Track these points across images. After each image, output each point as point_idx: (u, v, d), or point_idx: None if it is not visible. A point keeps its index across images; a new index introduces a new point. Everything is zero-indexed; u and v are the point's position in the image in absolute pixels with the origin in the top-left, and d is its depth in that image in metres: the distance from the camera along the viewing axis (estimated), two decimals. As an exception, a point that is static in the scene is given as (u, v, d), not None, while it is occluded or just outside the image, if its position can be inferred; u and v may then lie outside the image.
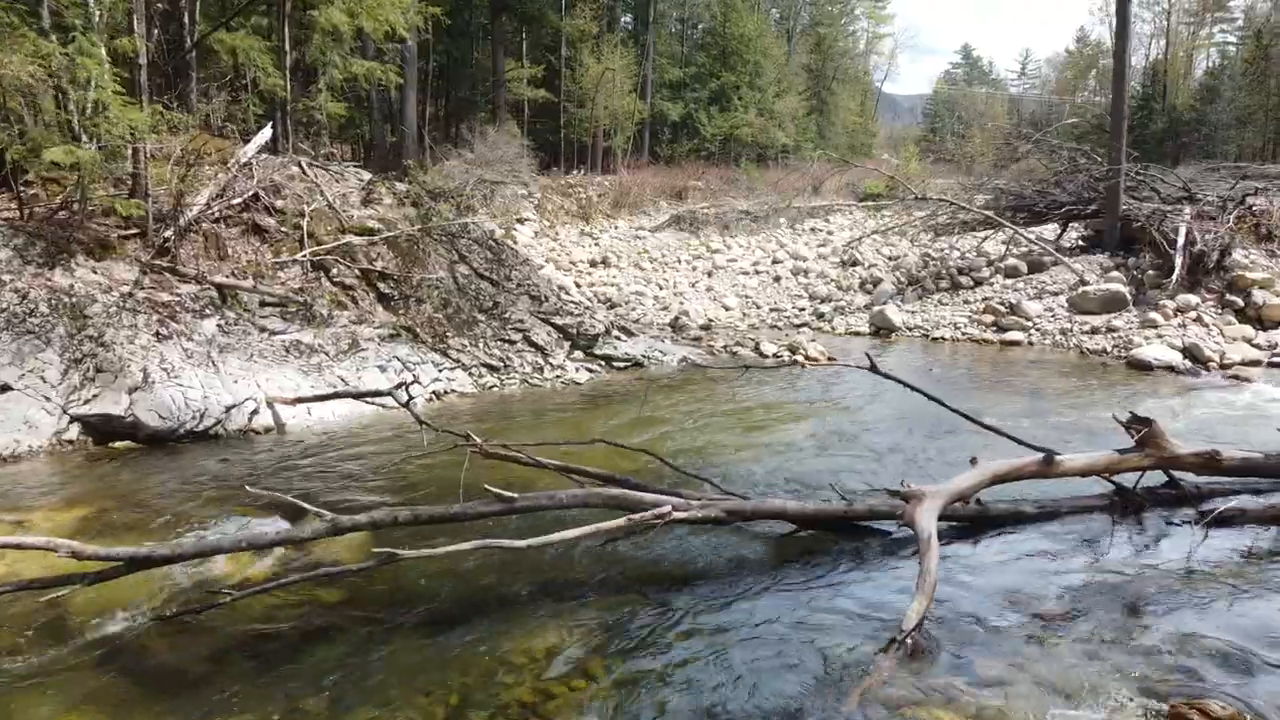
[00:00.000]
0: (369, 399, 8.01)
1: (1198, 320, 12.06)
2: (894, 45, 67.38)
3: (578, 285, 17.45)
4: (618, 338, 12.16)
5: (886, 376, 6.01)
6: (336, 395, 7.36)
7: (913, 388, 6.07)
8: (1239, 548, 5.42)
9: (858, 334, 14.44)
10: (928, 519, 4.73)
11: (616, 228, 24.83)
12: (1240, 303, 12.28)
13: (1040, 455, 5.28)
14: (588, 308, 12.92)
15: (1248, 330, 11.80)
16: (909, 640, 4.11)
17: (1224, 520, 5.47)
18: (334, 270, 10.65)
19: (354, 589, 4.98)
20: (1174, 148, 47.65)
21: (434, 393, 9.73)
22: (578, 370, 10.93)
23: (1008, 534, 5.65)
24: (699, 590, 4.94)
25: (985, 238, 16.57)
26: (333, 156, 16.72)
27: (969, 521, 5.63)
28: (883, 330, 14.30)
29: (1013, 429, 6.54)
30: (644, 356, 11.75)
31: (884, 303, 15.15)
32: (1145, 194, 15.23)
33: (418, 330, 10.48)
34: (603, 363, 11.42)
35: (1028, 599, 4.75)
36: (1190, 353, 11.10)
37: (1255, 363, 10.89)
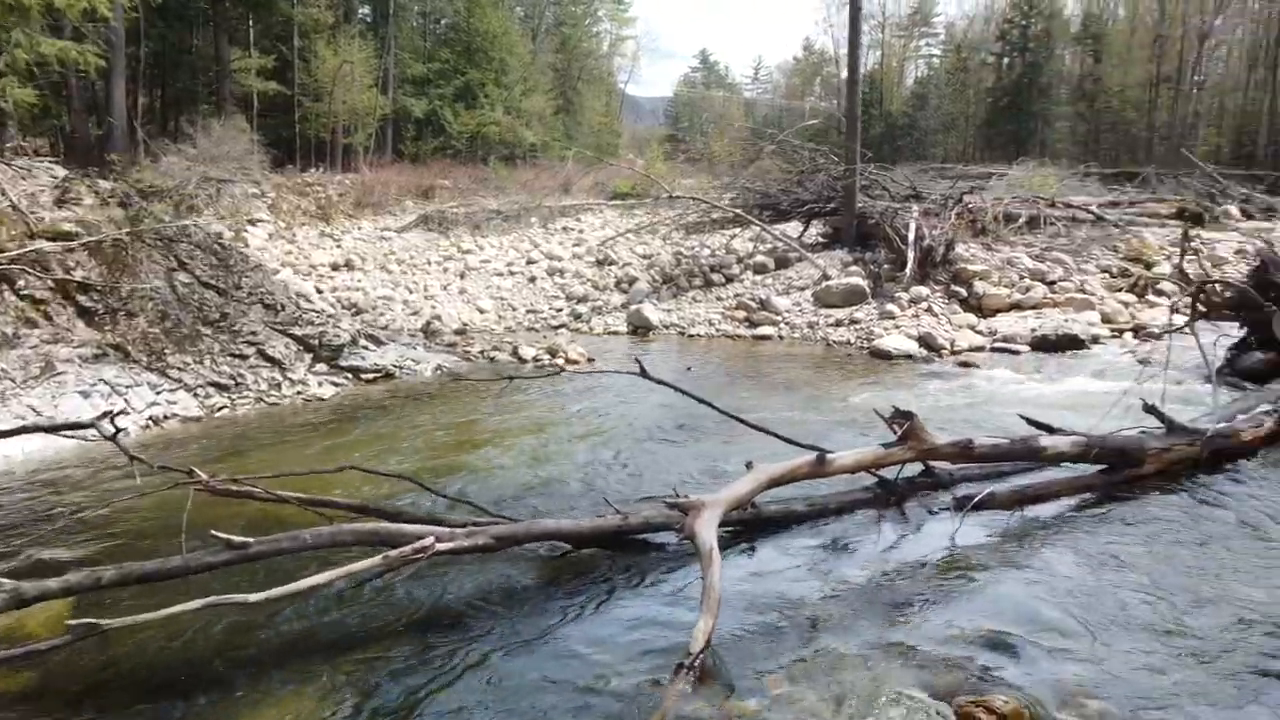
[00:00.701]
0: (67, 433, 6.89)
1: (929, 311, 12.96)
2: (636, 48, 69.15)
3: (319, 291, 16.32)
4: (366, 347, 11.38)
5: (658, 382, 5.83)
6: (23, 430, 6.24)
7: (684, 392, 5.93)
8: (992, 531, 5.67)
9: (616, 333, 14.40)
10: (708, 530, 4.55)
11: (360, 229, 23.59)
12: (964, 293, 13.32)
13: (813, 456, 5.27)
14: (331, 315, 12.01)
15: (972, 319, 12.81)
16: (697, 664, 3.88)
17: (978, 505, 5.70)
18: (20, 282, 9.19)
19: (53, 669, 4.14)
20: (891, 150, 51.94)
21: (151, 419, 8.60)
22: (321, 384, 10.09)
23: (782, 535, 5.62)
24: (470, 627, 4.51)
25: (734, 235, 17.09)
26: (22, 151, 14.65)
27: (744, 525, 5.56)
28: (640, 329, 14.35)
29: (777, 426, 6.58)
30: (395, 366, 11.06)
31: (640, 301, 15.22)
32: (878, 193, 16.28)
33: (129, 348, 9.24)
34: (350, 375, 10.63)
35: (808, 604, 4.69)
36: (925, 341, 11.87)
37: (980, 349, 11.81)
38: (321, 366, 10.62)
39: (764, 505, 5.63)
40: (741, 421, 5.99)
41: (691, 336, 13.81)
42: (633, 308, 14.88)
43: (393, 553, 4.35)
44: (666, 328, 14.31)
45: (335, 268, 18.97)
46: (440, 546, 4.52)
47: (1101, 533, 5.56)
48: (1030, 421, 6.38)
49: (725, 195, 18.56)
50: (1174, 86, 52.02)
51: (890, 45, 69.77)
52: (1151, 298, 13.45)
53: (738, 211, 16.82)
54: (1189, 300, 8.67)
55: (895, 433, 5.65)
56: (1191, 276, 11.25)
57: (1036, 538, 5.53)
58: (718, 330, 13.91)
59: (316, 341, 10.82)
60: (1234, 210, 21.20)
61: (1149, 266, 14.48)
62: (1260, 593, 4.64)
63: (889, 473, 6.06)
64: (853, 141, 15.19)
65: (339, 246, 21.18)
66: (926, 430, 5.68)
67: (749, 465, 5.17)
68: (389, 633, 4.49)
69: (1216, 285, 9.06)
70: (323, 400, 9.75)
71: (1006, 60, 59.30)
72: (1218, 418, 7.11)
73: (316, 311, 11.77)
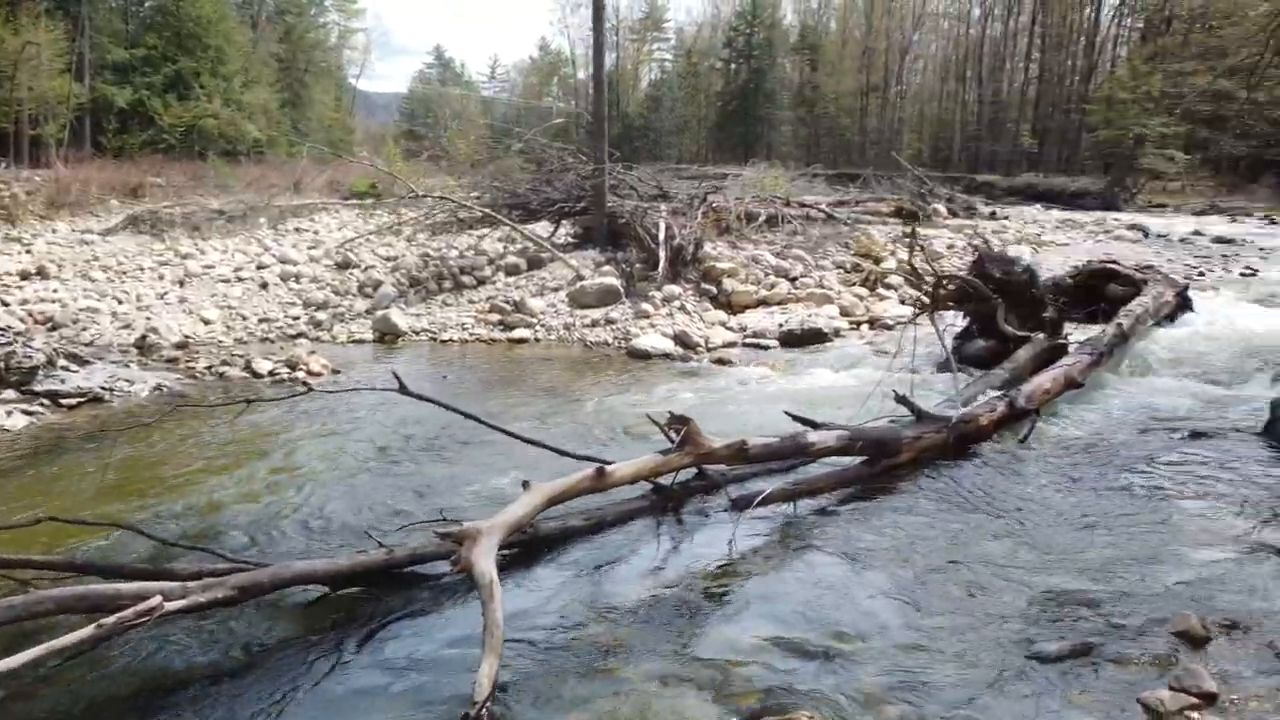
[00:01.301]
0: None
1: (682, 309, 13.16)
2: (367, 41, 66.35)
3: (4, 304, 14.21)
4: (66, 368, 9.96)
5: (420, 398, 5.36)
6: None
7: (451, 408, 5.50)
8: (767, 530, 5.68)
9: (361, 341, 13.54)
10: (486, 561, 4.17)
11: (55, 231, 20.91)
12: (714, 291, 13.64)
13: (592, 469, 5.01)
14: (20, 333, 10.43)
15: (723, 316, 13.14)
16: (484, 713, 3.51)
17: (753, 503, 5.69)
18: None
19: None
20: (629, 151, 53.10)
21: None
22: (10, 414, 8.67)
23: (561, 554, 5.34)
24: (209, 696, 3.88)
25: (483, 236, 16.63)
26: None
27: (520, 547, 5.23)
28: (388, 336, 13.58)
29: (547, 436, 6.30)
30: (104, 388, 9.73)
31: (386, 306, 14.43)
32: (626, 192, 16.39)
33: None
34: (47, 401, 9.23)
35: (597, 629, 4.44)
36: (681, 340, 12.01)
37: (733, 345, 12.11)
38: (10, 393, 9.15)
39: (540, 523, 5.32)
40: (513, 436, 5.65)
41: (444, 342, 13.23)
42: (379, 313, 14.07)
43: (109, 620, 3.64)
44: (416, 333, 13.63)
45: (25, 276, 16.63)
46: (170, 606, 3.86)
47: (869, 526, 5.70)
48: (796, 418, 6.46)
49: (472, 194, 18.04)
50: (881, 95, 56.88)
51: (625, 48, 71.53)
52: (882, 291, 14.38)
53: (487, 211, 16.39)
54: (929, 293, 9.22)
55: (672, 439, 5.51)
56: (920, 271, 12.08)
57: (810, 535, 5.58)
58: (471, 334, 13.42)
59: (2, 364, 9.32)
60: (942, 209, 23.32)
61: (878, 262, 15.50)
62: (1015, 578, 4.87)
63: (666, 479, 5.93)
64: (600, 141, 15.20)
65: (29, 252, 18.64)
66: (703, 434, 5.59)
67: (525, 485, 4.84)
68: (104, 714, 3.77)
69: (948, 280, 9.71)
70: (11, 433, 8.38)
71: (734, 66, 62.52)
72: (960, 404, 7.57)
73: (1, 329, 10.16)
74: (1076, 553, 5.16)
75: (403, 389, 5.22)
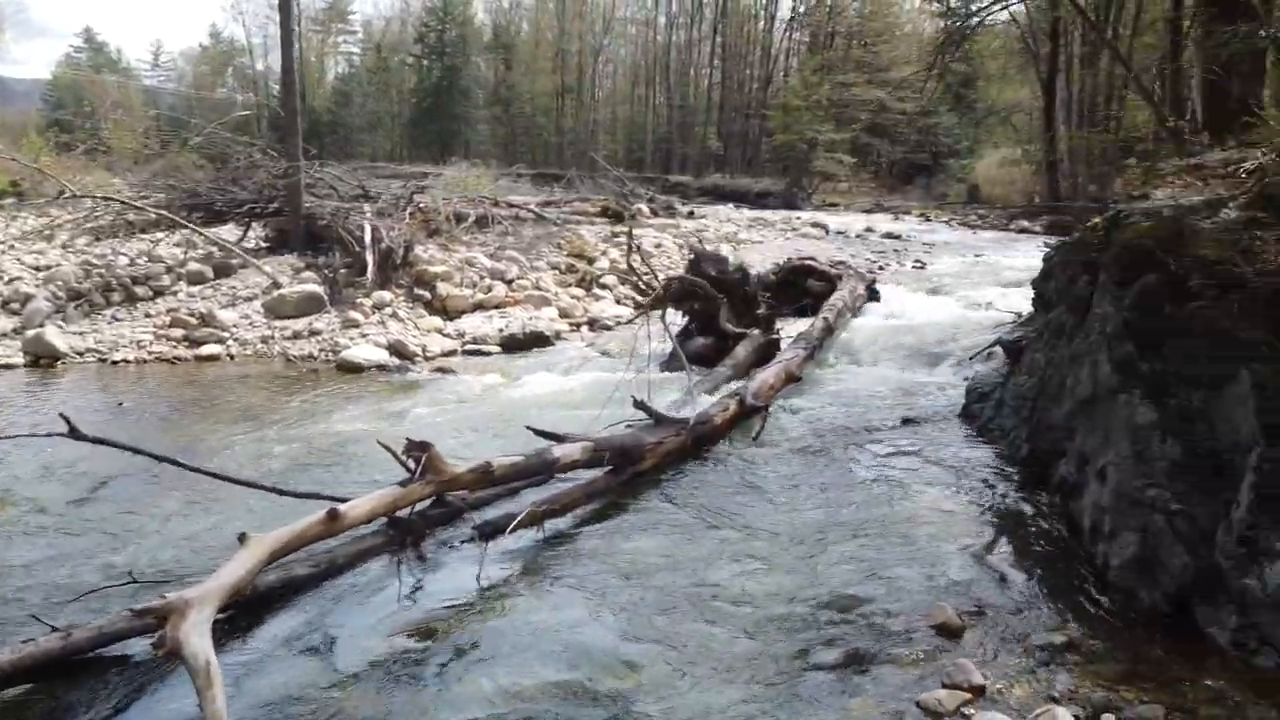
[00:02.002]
0: None
1: (395, 316, 12.39)
2: (-1, 19, 57.70)
3: None
4: None
5: (97, 441, 4.43)
6: None
7: (136, 450, 4.60)
8: (518, 556, 5.31)
9: (8, 366, 11.54)
10: (200, 638, 3.47)
11: None
12: (428, 295, 12.99)
13: (323, 513, 4.37)
14: None
15: (438, 322, 12.52)
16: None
17: (498, 531, 5.28)
18: None
19: None
20: (319, 148, 50.28)
21: None
22: None
23: (286, 610, 4.64)
24: None
25: (159, 240, 14.81)
26: None
27: (236, 608, 4.47)
28: (44, 359, 11.66)
29: (258, 471, 5.52)
30: None
31: (40, 324, 12.41)
32: (325, 192, 15.24)
33: None
34: None
35: (328, 697, 3.85)
36: (397, 349, 11.28)
37: (453, 353, 11.55)
38: None
39: (259, 576, 4.58)
40: (220, 477, 4.85)
41: (116, 363, 11.56)
42: (30, 333, 12.05)
43: None
44: (80, 354, 11.80)
45: None
46: None
47: (622, 543, 5.48)
48: (539, 432, 6.12)
49: (142, 194, 16.02)
50: (576, 97, 57.90)
51: (308, 40, 67.70)
52: (598, 291, 14.38)
53: (162, 213, 14.58)
54: (654, 293, 9.20)
55: (410, 469, 4.97)
56: (638, 271, 12.15)
57: (563, 559, 5.27)
58: (151, 353, 11.83)
59: None
60: (645, 208, 23.96)
61: (591, 262, 15.51)
62: (775, 587, 4.82)
63: (402, 510, 5.36)
64: (294, 137, 14.01)
65: None
66: (445, 459, 5.10)
67: (242, 538, 4.11)
68: None
69: (675, 280, 9.77)
70: None
71: (426, 63, 61.03)
72: (693, 405, 7.56)
73: None
74: (826, 553, 5.22)
75: (74, 433, 4.29)
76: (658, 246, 17.70)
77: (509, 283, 13.99)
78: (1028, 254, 18.94)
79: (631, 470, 6.42)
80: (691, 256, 11.12)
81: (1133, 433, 4.64)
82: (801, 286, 13.29)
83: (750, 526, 5.64)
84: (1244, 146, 6.33)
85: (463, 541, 5.43)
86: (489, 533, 5.24)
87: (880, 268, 17.08)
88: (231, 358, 11.72)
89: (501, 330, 12.11)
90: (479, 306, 13.16)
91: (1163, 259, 4.77)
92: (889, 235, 23.15)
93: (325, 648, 4.29)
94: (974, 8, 24.72)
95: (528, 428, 6.16)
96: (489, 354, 11.53)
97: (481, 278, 13.90)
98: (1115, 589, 4.56)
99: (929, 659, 4.02)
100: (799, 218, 27.84)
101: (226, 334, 12.18)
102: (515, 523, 5.22)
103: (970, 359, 9.69)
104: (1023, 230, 24.26)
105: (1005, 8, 19.80)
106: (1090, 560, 4.89)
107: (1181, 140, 8.00)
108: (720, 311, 9.84)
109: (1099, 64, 26.60)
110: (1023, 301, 11.86)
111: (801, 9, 50.25)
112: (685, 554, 5.25)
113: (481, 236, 16.17)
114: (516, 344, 11.73)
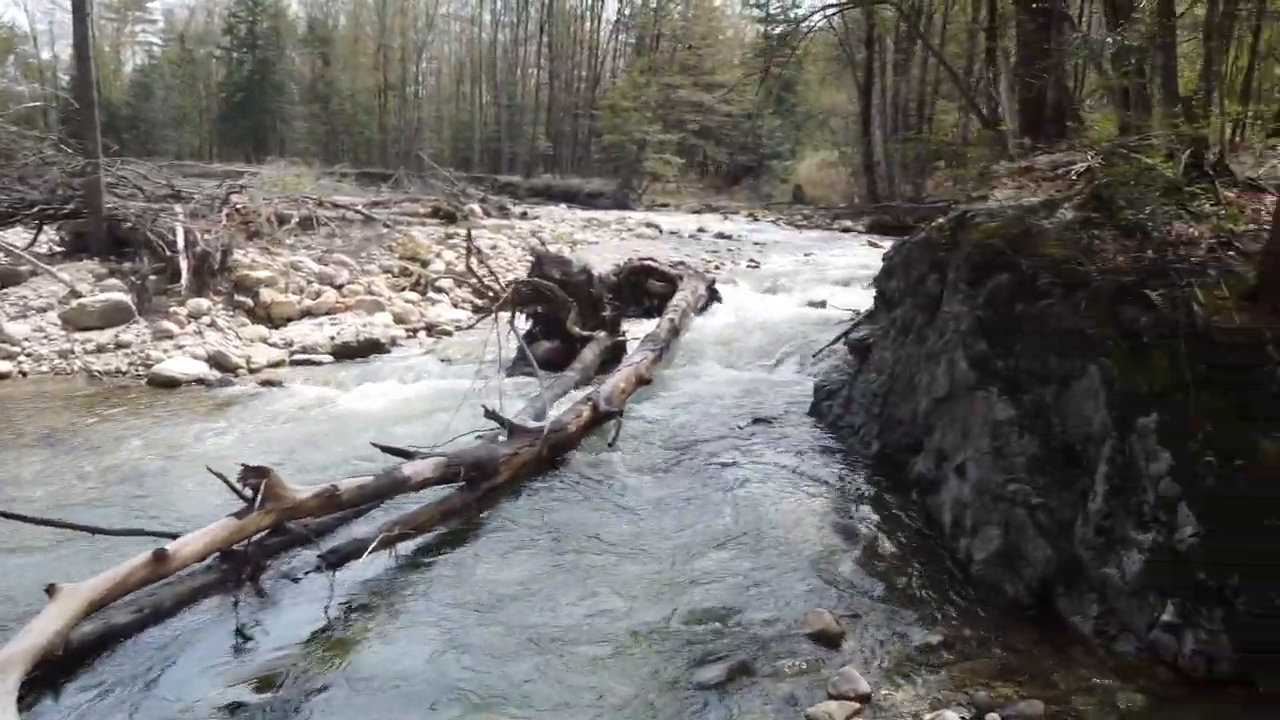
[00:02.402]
0: None
1: (214, 325, 11.49)
2: None
3: None
4: None
5: None
6: None
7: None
8: (370, 585, 4.92)
9: None
10: (2, 713, 2.96)
11: None
12: (250, 302, 12.12)
13: (147, 554, 3.87)
14: None
15: (263, 330, 11.71)
16: None
17: (346, 558, 4.87)
18: None
19: None
20: (118, 144, 46.76)
21: None
22: None
23: (105, 665, 4.09)
24: None
25: (-70, 246, 13.20)
26: None
27: (44, 668, 3.89)
28: None
29: (66, 506, 4.89)
30: None
31: None
32: (128, 191, 14.00)
33: None
34: None
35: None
36: (217, 361, 10.45)
37: (280, 363, 10.81)
38: None
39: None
40: (17, 518, 4.23)
41: (-112, 387, 10.21)
42: None
43: None
44: None
45: None
46: None
47: (481, 565, 5.19)
48: (386, 449, 5.72)
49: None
50: (399, 94, 56.22)
51: (103, 28, 62.92)
52: (433, 295, 13.86)
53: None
54: (500, 296, 8.87)
55: (246, 498, 4.50)
56: (478, 273, 11.77)
57: (416, 586, 4.93)
58: (-77, 373, 10.51)
59: None
60: (477, 209, 23.37)
61: (425, 264, 14.95)
62: (650, 603, 4.66)
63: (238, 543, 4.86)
64: (91, 131, 12.74)
65: None
66: (285, 485, 4.65)
67: (51, 590, 3.57)
68: None
69: (521, 283, 9.46)
70: None
71: (236, 55, 57.81)
72: (542, 412, 7.31)
73: None
74: (693, 564, 5.09)
75: None
76: (494, 248, 17.27)
77: (339, 287, 13.26)
78: (853, 252, 19.71)
79: (486, 485, 6.10)
80: (533, 258, 10.84)
81: (992, 429, 4.74)
82: (643, 287, 13.25)
83: (613, 542, 5.44)
84: (1070, 150, 6.66)
85: (307, 572, 4.96)
86: (336, 561, 4.82)
87: (716, 267, 17.27)
88: (24, 375, 10.55)
89: (333, 338, 11.45)
90: (307, 313, 12.39)
91: (1013, 259, 4.89)
92: (721, 235, 23.53)
93: (151, 705, 3.80)
94: (794, 15, 25.57)
95: (374, 444, 5.76)
96: (320, 363, 10.86)
97: (309, 282, 13.11)
98: (980, 583, 4.63)
99: (812, 669, 3.94)
100: (631, 218, 27.93)
101: (18, 349, 10.96)
102: (364, 549, 4.82)
103: (814, 357, 9.86)
104: (846, 230, 25.19)
105: (827, 16, 20.42)
106: (953, 555, 4.97)
107: (1004, 144, 8.37)
108: (570, 314, 9.61)
109: (911, 71, 28.01)
110: (857, 298, 12.27)
111: (627, 11, 50.71)
112: (547, 576, 5.00)
113: (307, 239, 15.28)
114: (350, 352, 11.11)
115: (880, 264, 8.32)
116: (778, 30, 45.04)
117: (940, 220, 6.24)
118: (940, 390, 5.22)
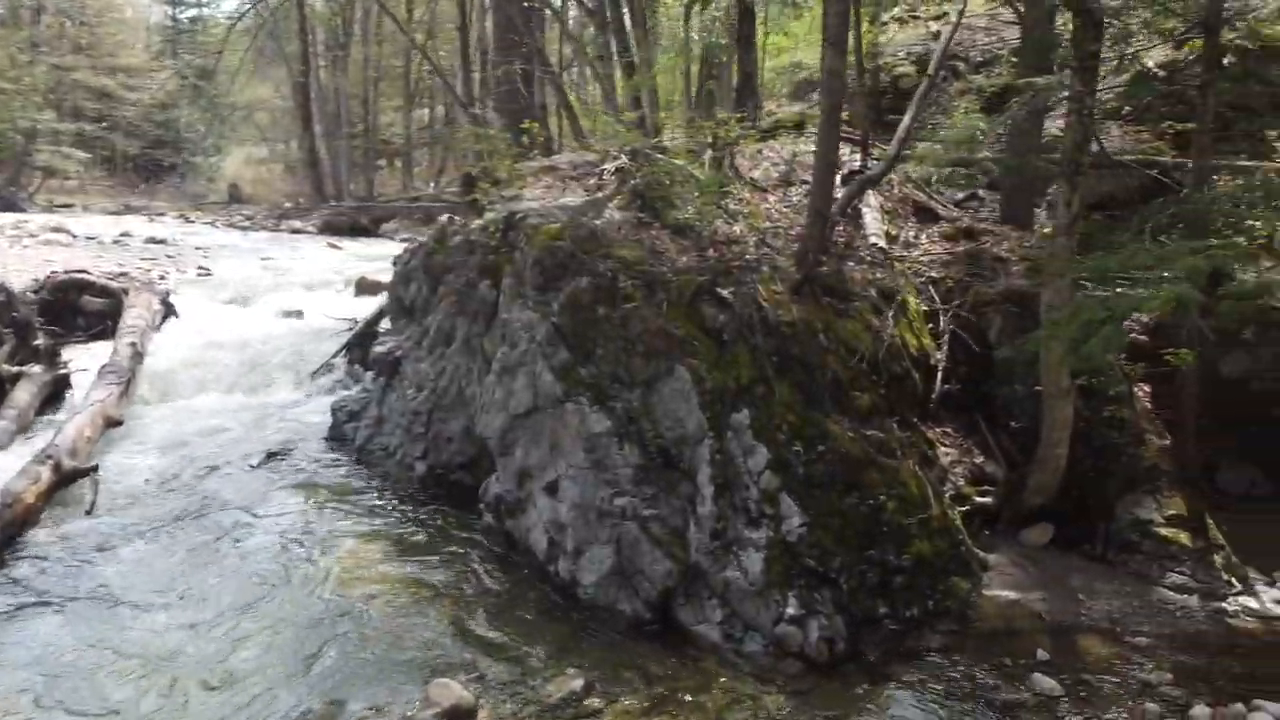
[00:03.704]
0: None
1: None
2: None
3: None
4: None
5: None
6: None
7: None
8: None
9: None
10: None
11: None
12: None
13: None
14: None
15: None
16: None
17: None
18: None
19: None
20: None
21: None
22: None
23: None
24: None
25: None
26: None
27: None
28: None
29: None
30: None
31: None
32: None
33: None
34: None
35: None
36: None
37: None
38: None
39: None
40: None
41: None
42: None
43: None
44: None
45: None
46: None
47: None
48: None
49: None
50: None
51: None
52: None
53: None
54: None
55: None
56: None
57: None
58: None
59: None
60: None
61: None
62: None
63: None
64: None
65: None
66: None
67: None
68: None
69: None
70: None
71: None
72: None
73: None
74: (245, 660, 4.01)
75: None
76: None
77: None
78: (314, 255, 18.51)
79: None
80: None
81: (587, 441, 4.45)
82: (75, 305, 10.91)
83: (124, 651, 4.08)
84: (584, 150, 6.66)
85: None
86: None
87: (161, 277, 14.94)
88: None
89: None
90: None
91: (589, 262, 4.64)
92: (154, 240, 20.55)
93: None
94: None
95: None
96: None
97: None
98: (594, 606, 4.32)
99: (469, 760, 3.28)
100: (32, 221, 23.09)
101: None
102: None
103: (312, 375, 8.88)
104: (296, 231, 23.59)
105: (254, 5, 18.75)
106: (553, 581, 4.59)
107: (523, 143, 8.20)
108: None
109: (347, 67, 27.15)
110: (343, 306, 11.42)
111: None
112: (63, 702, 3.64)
113: None
114: None
115: (393, 268, 7.66)
116: (188, 14, 41.08)
117: (485, 220, 5.81)
118: (521, 405, 4.80)
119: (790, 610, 3.91)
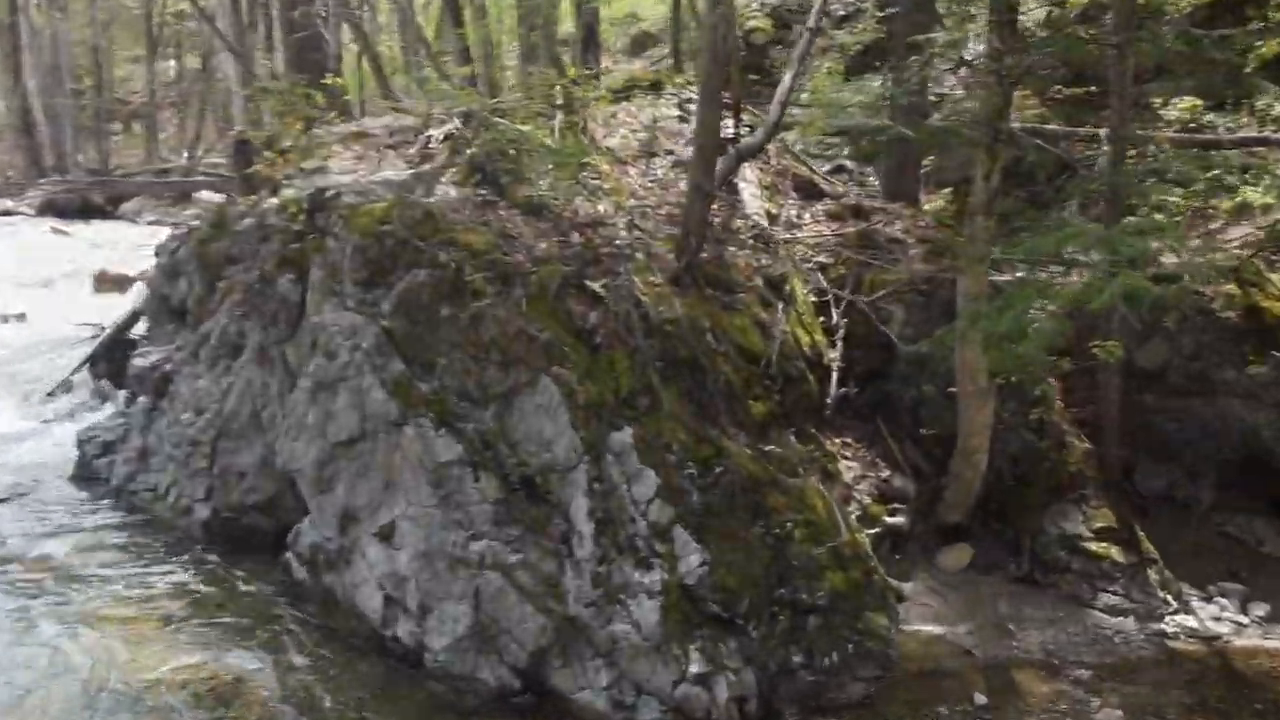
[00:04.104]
0: None
1: None
2: None
3: None
4: None
5: None
6: None
7: None
8: None
9: None
10: None
11: None
12: None
13: None
14: None
15: None
16: None
17: None
18: None
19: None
20: None
21: None
22: None
23: None
24: None
25: None
26: None
27: None
28: None
29: None
30: None
31: None
32: None
33: None
34: None
35: None
36: None
37: None
38: None
39: None
40: None
41: None
42: None
43: None
44: None
45: None
46: None
47: None
48: None
49: None
50: None
51: None
52: None
53: None
54: None
55: None
56: None
57: None
58: None
59: None
60: None
61: None
62: None
63: None
64: None
65: None
66: None
67: None
68: None
69: None
70: None
71: None
72: None
73: None
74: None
75: None
76: None
77: None
78: (33, 242, 17.08)
79: None
80: None
81: (432, 473, 4.16)
82: None
83: None
84: (402, 113, 6.34)
85: None
86: None
87: None
88: None
89: None
90: None
91: (427, 250, 4.36)
92: None
93: None
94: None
95: None
96: None
97: None
98: (449, 677, 4.04)
99: None
100: None
101: None
102: None
103: (49, 395, 8.13)
104: (7, 212, 21.74)
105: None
106: (390, 649, 4.27)
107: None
108: None
109: (67, 5, 25.30)
110: (84, 306, 10.52)
111: None
112: None
113: None
114: None
115: (154, 259, 7.07)
116: None
117: (282, 199, 5.38)
118: (344, 431, 4.44)
119: (693, 668, 3.77)
